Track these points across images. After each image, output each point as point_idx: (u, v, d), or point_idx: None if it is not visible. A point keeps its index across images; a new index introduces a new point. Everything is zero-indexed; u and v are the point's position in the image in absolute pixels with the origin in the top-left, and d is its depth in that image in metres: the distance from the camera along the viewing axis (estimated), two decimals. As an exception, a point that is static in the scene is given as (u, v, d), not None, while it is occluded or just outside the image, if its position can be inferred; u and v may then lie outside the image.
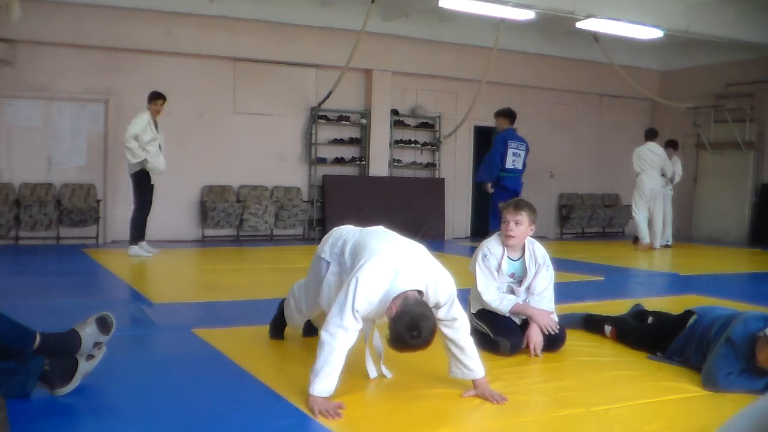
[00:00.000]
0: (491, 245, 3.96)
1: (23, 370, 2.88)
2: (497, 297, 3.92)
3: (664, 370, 3.69)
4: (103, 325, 3.24)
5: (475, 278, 3.95)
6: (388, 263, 3.01)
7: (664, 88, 13.53)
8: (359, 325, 2.97)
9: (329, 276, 3.39)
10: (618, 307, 4.93)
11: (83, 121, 9.83)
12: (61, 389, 2.95)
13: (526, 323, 3.95)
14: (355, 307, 2.92)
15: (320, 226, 11.17)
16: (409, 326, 2.82)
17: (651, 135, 10.59)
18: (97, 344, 3.20)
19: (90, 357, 3.05)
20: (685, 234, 10.59)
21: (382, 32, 10.91)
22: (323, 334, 2.94)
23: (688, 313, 3.87)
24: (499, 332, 3.89)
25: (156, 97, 8.18)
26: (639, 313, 4.51)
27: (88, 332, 3.19)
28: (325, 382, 2.90)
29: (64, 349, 3.09)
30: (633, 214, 10.60)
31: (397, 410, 3.04)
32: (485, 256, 3.93)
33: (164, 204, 9.69)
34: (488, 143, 13.33)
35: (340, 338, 2.91)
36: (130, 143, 7.96)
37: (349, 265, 3.23)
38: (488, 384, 3.16)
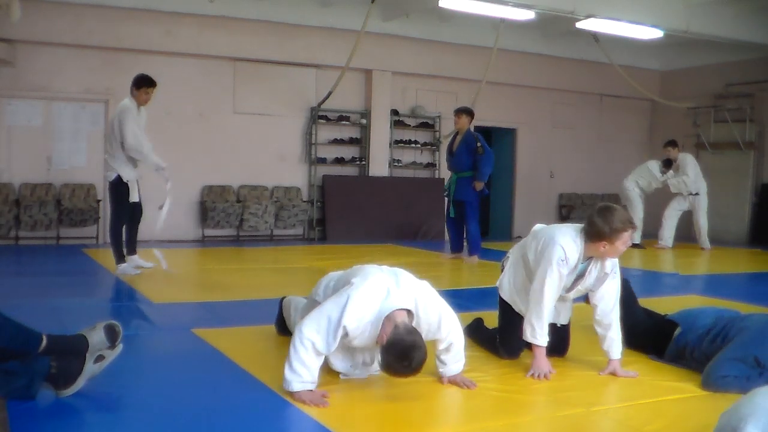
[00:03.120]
0: (569, 250, 3.43)
1: (28, 372, 2.87)
2: (545, 323, 3.49)
3: (664, 370, 3.69)
4: (111, 333, 3.12)
5: (541, 274, 3.47)
6: (379, 284, 3.09)
7: (664, 88, 13.53)
8: (334, 345, 2.98)
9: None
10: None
11: (83, 121, 9.83)
12: (66, 390, 2.94)
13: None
14: (343, 322, 2.95)
15: (320, 226, 11.17)
16: (400, 356, 2.87)
17: (676, 144, 10.79)
18: (100, 357, 3.12)
19: (100, 358, 3.02)
20: (685, 234, 10.59)
21: (382, 32, 10.91)
22: (296, 342, 2.98)
23: (671, 323, 3.88)
24: (504, 341, 3.81)
25: (148, 84, 6.58)
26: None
27: (96, 339, 3.11)
28: (303, 376, 2.97)
29: (70, 352, 3.06)
30: (705, 225, 10.57)
31: (397, 410, 3.04)
32: (561, 260, 3.42)
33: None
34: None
35: (308, 354, 2.97)
36: (144, 147, 6.54)
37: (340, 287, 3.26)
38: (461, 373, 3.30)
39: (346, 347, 3.20)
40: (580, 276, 3.53)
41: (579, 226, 3.52)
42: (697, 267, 9.03)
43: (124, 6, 9.55)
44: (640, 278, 7.86)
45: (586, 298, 3.71)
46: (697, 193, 10.58)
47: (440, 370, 3.32)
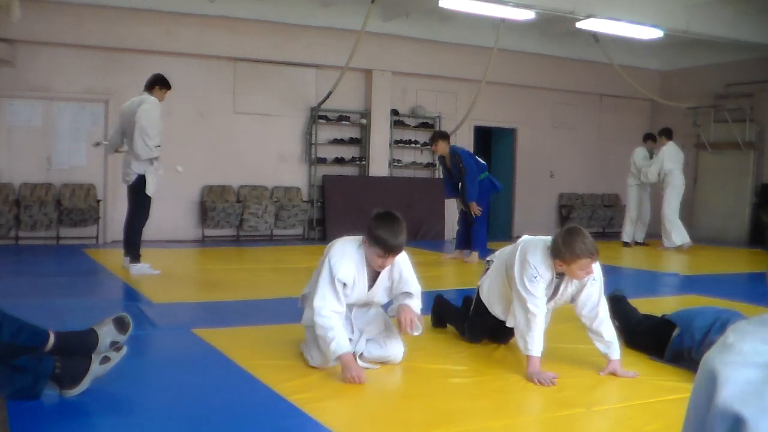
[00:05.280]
0: (540, 268, 3.49)
1: (33, 371, 2.88)
2: (536, 333, 3.47)
3: (664, 370, 3.70)
4: (121, 324, 3.24)
5: (520, 291, 3.52)
6: (351, 239, 3.52)
7: (664, 88, 13.53)
8: (343, 300, 3.37)
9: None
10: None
11: (83, 121, 9.83)
12: (71, 390, 2.95)
13: (501, 330, 3.98)
14: (336, 276, 3.32)
15: (320, 226, 11.17)
16: (382, 213, 3.44)
17: (671, 134, 10.62)
18: (114, 343, 3.19)
19: (105, 359, 3.04)
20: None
21: (382, 32, 10.91)
22: (317, 321, 3.31)
23: (669, 324, 3.88)
24: (472, 328, 4.06)
25: (169, 87, 6.97)
26: (611, 304, 4.47)
27: (106, 331, 3.19)
28: (339, 343, 3.26)
29: (80, 348, 3.08)
30: (670, 217, 10.30)
31: (397, 410, 3.05)
32: (534, 277, 3.48)
33: (164, 204, 9.69)
34: (488, 143, 13.38)
35: (331, 320, 3.30)
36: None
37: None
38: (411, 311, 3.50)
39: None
40: (556, 289, 3.59)
41: (548, 240, 3.56)
42: (697, 267, 9.03)
43: (124, 6, 9.54)
44: (640, 278, 7.87)
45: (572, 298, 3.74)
46: (666, 186, 10.48)
47: (401, 302, 3.52)
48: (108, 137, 6.88)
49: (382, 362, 3.57)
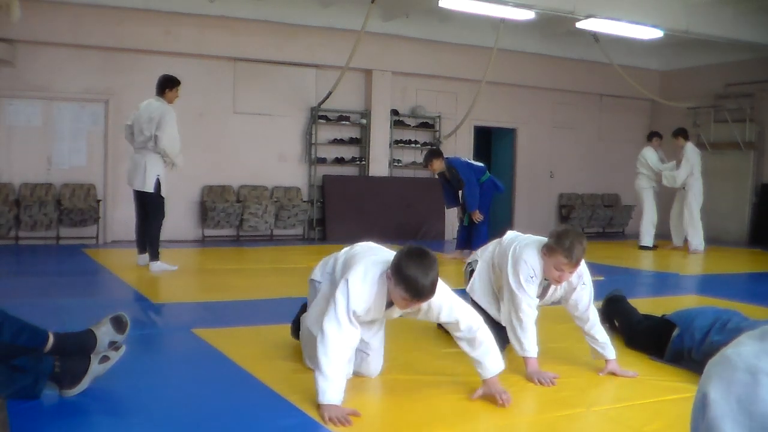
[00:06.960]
0: (536, 267, 3.47)
1: (33, 371, 2.88)
2: (530, 334, 3.48)
3: (664, 370, 3.70)
4: (118, 324, 3.25)
5: (514, 291, 3.50)
6: (377, 262, 3.05)
7: (664, 88, 13.53)
8: (356, 330, 2.95)
9: (319, 295, 3.43)
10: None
11: (83, 121, 9.83)
12: (70, 390, 2.95)
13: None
14: (351, 308, 2.91)
15: (320, 226, 11.17)
16: (415, 250, 2.87)
17: (687, 134, 10.48)
18: (112, 343, 3.20)
19: (105, 359, 3.04)
20: (684, 234, 10.59)
21: (382, 32, 10.91)
22: (319, 346, 2.88)
23: (668, 324, 3.89)
24: None
25: (178, 83, 7.03)
26: (611, 304, 4.49)
27: (104, 331, 3.20)
28: (332, 387, 2.83)
29: (79, 349, 3.08)
30: (695, 221, 10.17)
31: (397, 410, 3.05)
32: (531, 277, 3.47)
33: (164, 204, 9.68)
34: (488, 143, 13.38)
35: (336, 344, 2.88)
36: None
37: (339, 277, 3.21)
38: (498, 382, 3.09)
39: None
40: (545, 290, 3.59)
41: (543, 240, 3.52)
42: (697, 267, 9.03)
43: (124, 6, 9.54)
44: (640, 278, 7.88)
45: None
46: (683, 187, 10.32)
47: (479, 371, 3.12)
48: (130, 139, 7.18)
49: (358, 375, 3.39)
